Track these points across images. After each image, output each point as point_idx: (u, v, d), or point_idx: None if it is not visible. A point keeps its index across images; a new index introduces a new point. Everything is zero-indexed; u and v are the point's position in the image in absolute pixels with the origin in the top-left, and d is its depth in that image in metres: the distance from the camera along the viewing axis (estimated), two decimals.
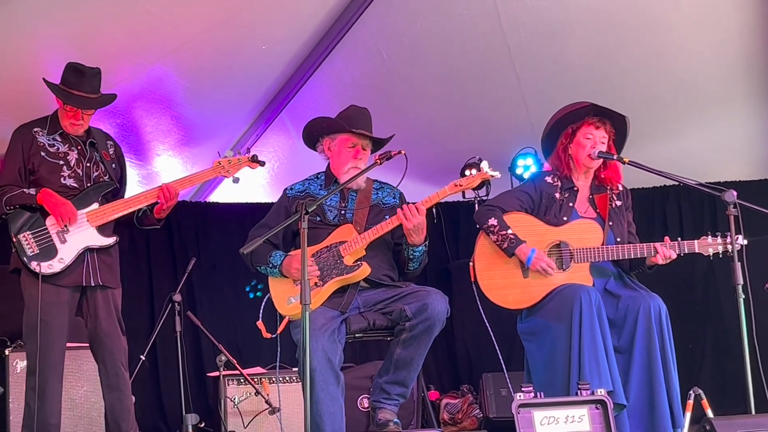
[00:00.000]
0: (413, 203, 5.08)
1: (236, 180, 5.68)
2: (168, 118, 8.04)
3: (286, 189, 5.48)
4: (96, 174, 5.45)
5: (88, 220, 5.30)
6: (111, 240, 5.40)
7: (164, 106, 7.87)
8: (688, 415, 5.15)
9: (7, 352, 6.35)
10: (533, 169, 8.47)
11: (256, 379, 6.97)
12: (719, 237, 5.10)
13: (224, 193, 9.15)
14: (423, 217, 5.06)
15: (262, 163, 5.70)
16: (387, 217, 5.18)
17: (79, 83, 5.38)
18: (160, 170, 8.43)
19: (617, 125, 5.44)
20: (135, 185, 8.10)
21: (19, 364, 6.30)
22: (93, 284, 5.34)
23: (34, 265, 5.15)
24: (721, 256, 5.11)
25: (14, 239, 5.20)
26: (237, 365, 6.98)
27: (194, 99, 7.90)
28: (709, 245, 5.13)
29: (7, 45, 6.39)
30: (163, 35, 7.00)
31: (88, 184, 5.40)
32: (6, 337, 6.60)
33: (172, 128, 8.19)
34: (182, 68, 7.46)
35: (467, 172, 8.33)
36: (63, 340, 5.32)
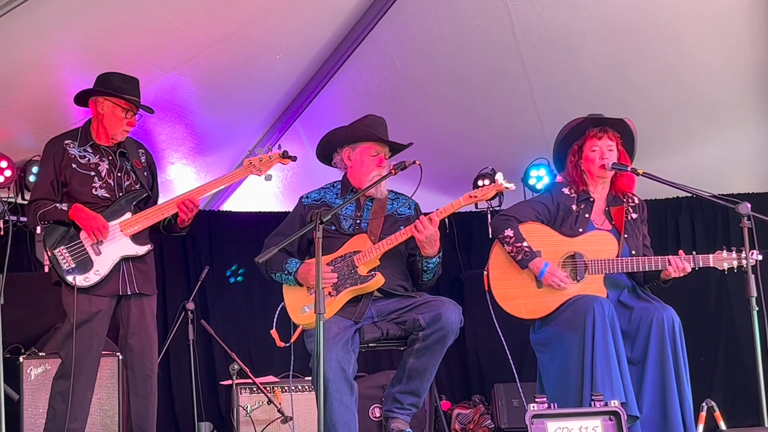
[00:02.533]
0: (427, 213, 5.10)
1: (269, 177, 5.66)
2: (182, 127, 8.06)
3: (302, 197, 5.50)
4: (127, 183, 5.48)
5: (121, 230, 5.32)
6: (146, 248, 5.42)
7: (179, 115, 7.89)
8: (701, 426, 5.16)
9: (21, 359, 6.37)
10: (546, 179, 8.47)
11: (268, 388, 6.98)
12: (734, 252, 5.09)
13: (237, 202, 9.17)
14: (435, 229, 5.07)
15: (294, 158, 5.65)
16: (402, 227, 5.19)
17: (133, 90, 5.47)
18: (173, 179, 8.45)
19: (619, 129, 5.45)
20: None
21: (33, 371, 6.32)
22: (129, 293, 5.36)
23: (70, 279, 5.17)
24: (735, 270, 5.11)
25: (50, 254, 5.22)
26: (250, 374, 6.99)
27: (208, 108, 7.93)
28: (723, 260, 5.12)
29: (26, 54, 6.42)
30: (178, 44, 7.03)
31: (120, 194, 5.42)
32: (20, 344, 6.63)
33: (186, 137, 8.21)
34: (197, 77, 7.49)
35: (480, 183, 8.43)
36: (98, 349, 5.35)
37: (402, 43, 7.84)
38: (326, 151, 5.54)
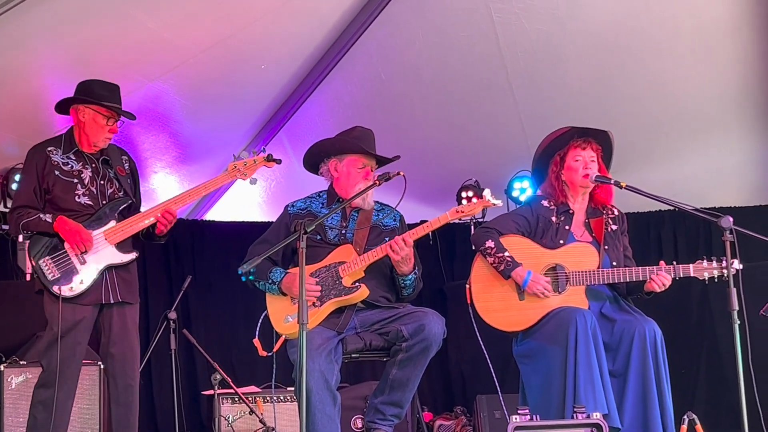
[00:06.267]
0: (412, 225, 5.10)
1: (253, 181, 5.66)
2: (166, 136, 8.05)
3: (287, 206, 5.49)
4: (110, 191, 5.45)
5: (106, 239, 5.30)
6: (131, 256, 5.39)
7: (162, 124, 7.88)
8: None
9: (2, 367, 6.33)
10: (529, 191, 8.49)
11: (250, 398, 6.97)
12: (714, 261, 5.11)
13: (220, 212, 9.16)
14: (411, 249, 5.10)
15: (279, 161, 5.65)
16: (387, 239, 5.20)
17: (113, 97, 5.43)
18: (156, 187, 8.44)
19: (601, 141, 5.47)
20: None
21: (13, 380, 6.28)
22: (112, 301, 5.33)
23: (55, 289, 5.14)
24: (716, 280, 5.12)
25: (34, 264, 5.19)
26: (232, 384, 6.97)
27: (192, 117, 7.93)
28: (704, 269, 5.13)
29: (11, 61, 6.41)
30: (163, 53, 7.02)
31: (103, 202, 5.38)
32: (1, 352, 6.59)
33: (170, 146, 8.21)
34: (181, 86, 7.49)
35: (464, 194, 8.45)
36: (80, 358, 5.33)
37: (387, 55, 7.86)
38: (313, 161, 5.54)
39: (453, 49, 7.74)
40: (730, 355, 4.74)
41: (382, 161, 5.46)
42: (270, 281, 5.20)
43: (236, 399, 7.01)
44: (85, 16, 6.33)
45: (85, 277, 5.22)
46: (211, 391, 7.02)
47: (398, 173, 4.94)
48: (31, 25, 6.10)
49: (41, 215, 5.25)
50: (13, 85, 6.66)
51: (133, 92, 7.24)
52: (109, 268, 5.32)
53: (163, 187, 8.42)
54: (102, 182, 5.44)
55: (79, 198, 5.34)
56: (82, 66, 6.25)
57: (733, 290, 4.72)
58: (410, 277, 5.24)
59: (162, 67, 7.19)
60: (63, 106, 5.49)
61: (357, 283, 5.09)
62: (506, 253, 5.28)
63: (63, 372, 5.18)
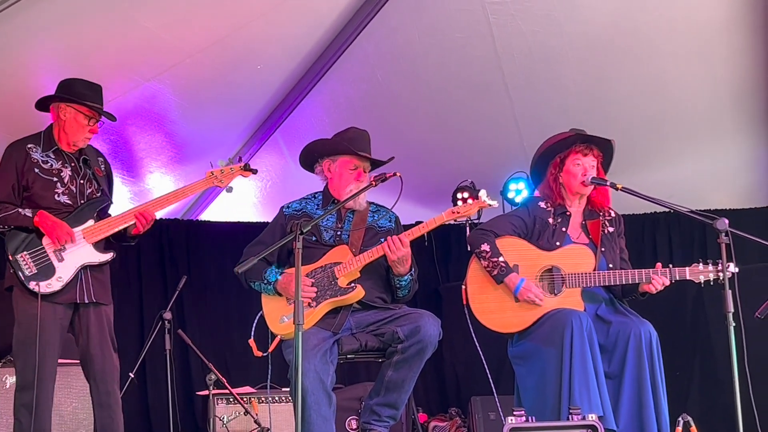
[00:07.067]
0: (408, 226, 5.09)
1: (230, 189, 5.69)
2: (161, 136, 8.04)
3: (282, 207, 5.49)
4: (89, 191, 5.42)
5: (84, 237, 5.27)
6: (108, 255, 5.37)
7: (158, 124, 7.87)
8: None
9: None
10: (525, 193, 8.50)
11: (245, 399, 6.95)
12: (710, 264, 5.11)
13: (216, 212, 9.15)
14: (408, 249, 5.09)
15: (255, 171, 5.70)
16: (382, 240, 5.19)
17: (95, 97, 5.41)
18: (152, 187, 8.43)
19: (603, 148, 5.47)
20: (126, 202, 8.09)
21: (8, 379, 6.26)
22: (87, 301, 5.29)
23: (32, 285, 5.10)
24: (712, 283, 5.12)
25: (11, 259, 5.16)
26: (227, 384, 6.96)
27: (188, 117, 7.91)
28: (700, 272, 5.13)
29: (5, 60, 6.40)
30: (159, 52, 7.01)
31: (82, 201, 5.36)
32: None
33: (165, 146, 8.19)
34: (177, 86, 7.48)
35: (459, 195, 8.45)
36: (55, 357, 5.27)
37: (383, 56, 7.85)
38: (308, 160, 5.54)
39: (449, 51, 7.74)
40: (725, 357, 4.74)
41: (376, 162, 5.46)
42: (265, 281, 5.20)
43: (231, 399, 7.00)
44: (81, 16, 6.32)
45: (62, 274, 5.18)
46: (206, 392, 7.00)
47: (394, 174, 4.95)
48: (27, 24, 6.09)
49: (20, 210, 5.21)
50: (8, 84, 6.65)
51: (129, 92, 7.24)
52: (85, 268, 5.28)
53: (159, 187, 8.40)
54: (82, 182, 5.41)
55: (58, 197, 5.31)
56: (77, 65, 6.23)
57: (729, 292, 4.71)
58: (406, 277, 5.24)
59: (158, 67, 7.18)
60: (43, 104, 5.46)
61: (353, 284, 5.09)
62: (500, 258, 5.28)
63: (40, 372, 5.13)
